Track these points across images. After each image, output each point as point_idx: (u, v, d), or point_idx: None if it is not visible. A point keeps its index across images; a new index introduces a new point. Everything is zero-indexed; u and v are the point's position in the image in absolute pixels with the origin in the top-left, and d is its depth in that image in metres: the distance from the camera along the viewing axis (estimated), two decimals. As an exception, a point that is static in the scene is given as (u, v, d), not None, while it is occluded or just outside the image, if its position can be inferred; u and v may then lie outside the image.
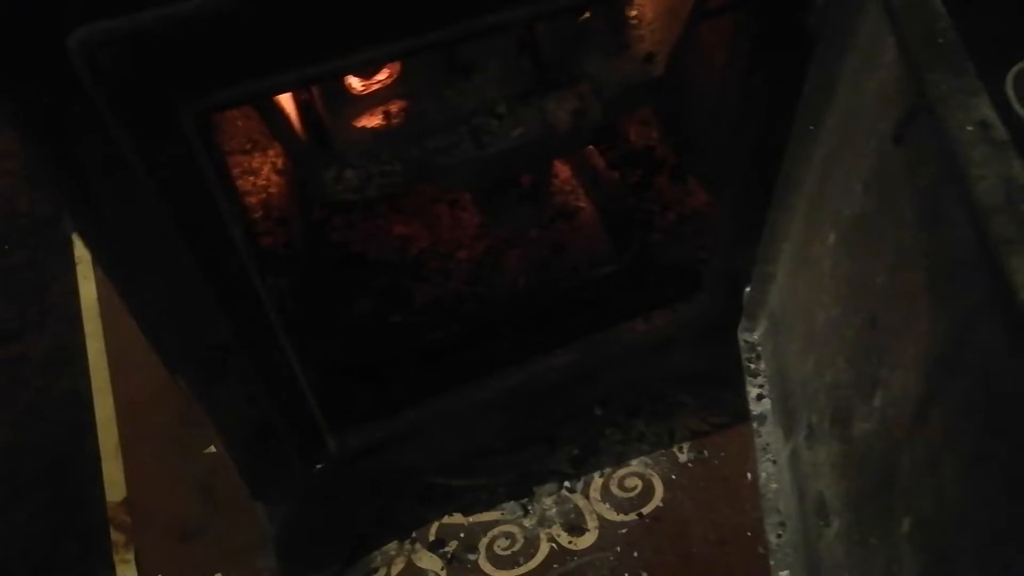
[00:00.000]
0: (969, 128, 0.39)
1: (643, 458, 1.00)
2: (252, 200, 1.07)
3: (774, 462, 0.75)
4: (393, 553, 0.94)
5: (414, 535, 0.95)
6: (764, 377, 0.79)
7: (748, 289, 0.81)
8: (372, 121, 0.60)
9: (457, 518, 0.97)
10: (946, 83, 0.41)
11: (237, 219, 0.53)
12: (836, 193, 0.59)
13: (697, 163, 1.00)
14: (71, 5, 0.41)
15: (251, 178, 1.11)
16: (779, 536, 0.70)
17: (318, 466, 0.78)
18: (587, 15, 0.67)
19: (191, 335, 0.60)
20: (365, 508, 0.91)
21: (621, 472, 1.00)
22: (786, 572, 0.68)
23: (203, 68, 0.45)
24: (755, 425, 0.78)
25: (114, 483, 1.05)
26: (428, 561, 0.93)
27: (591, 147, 1.00)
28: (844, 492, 0.56)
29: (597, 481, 0.99)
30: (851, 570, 0.54)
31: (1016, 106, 0.57)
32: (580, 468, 1.00)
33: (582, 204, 1.02)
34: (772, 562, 0.69)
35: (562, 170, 1.05)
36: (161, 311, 0.58)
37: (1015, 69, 0.60)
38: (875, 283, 0.51)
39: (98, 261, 0.54)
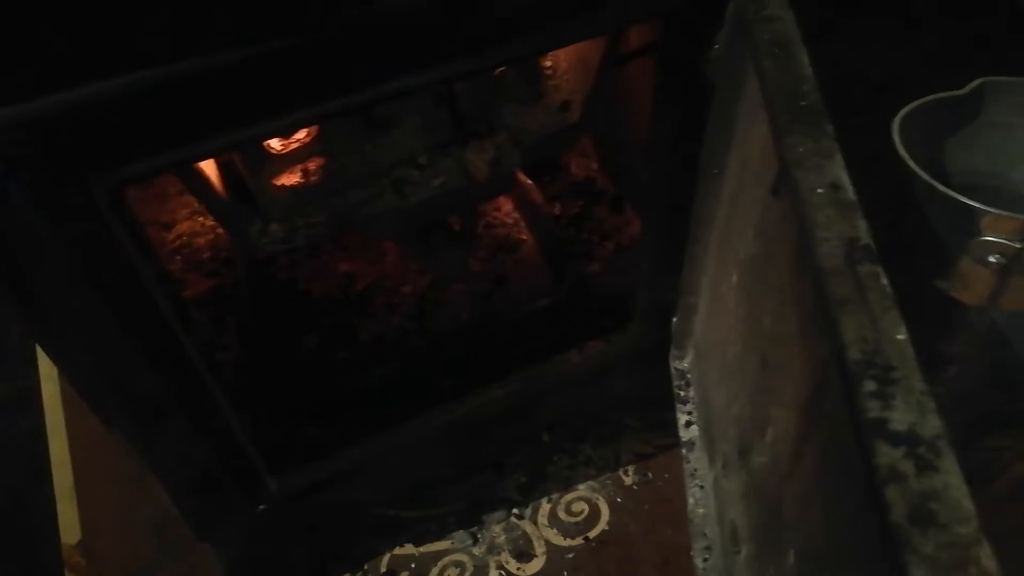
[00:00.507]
0: (820, 191, 0.42)
1: (590, 482, 1.03)
2: (200, 241, 1.09)
3: (701, 487, 0.77)
4: (345, 586, 0.96)
5: (366, 567, 0.97)
6: (692, 404, 0.82)
7: (675, 319, 0.84)
8: (292, 179, 0.63)
9: (408, 549, 0.99)
10: (803, 146, 0.44)
11: (156, 280, 0.55)
12: (736, 234, 0.62)
13: (633, 192, 1.03)
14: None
15: (200, 219, 1.13)
16: (705, 560, 0.73)
17: (260, 507, 0.79)
18: (503, 68, 0.70)
19: (122, 390, 0.62)
20: (314, 544, 0.92)
21: (568, 497, 1.02)
22: (712, 596, 0.71)
23: (108, 146, 0.47)
24: (684, 451, 0.80)
25: (69, 525, 1.06)
26: (379, 593, 0.95)
27: (531, 182, 1.03)
28: (749, 522, 0.59)
29: (545, 507, 1.01)
30: (757, 597, 0.57)
31: (900, 148, 0.60)
32: (528, 495, 1.02)
33: (524, 237, 1.05)
34: (699, 586, 0.72)
35: (504, 204, 1.08)
36: (88, 369, 0.59)
37: (901, 113, 0.63)
38: (764, 325, 0.54)
39: (25, 328, 0.56)
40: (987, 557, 0.30)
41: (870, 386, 0.34)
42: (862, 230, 0.40)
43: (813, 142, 0.44)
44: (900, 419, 0.33)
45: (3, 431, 1.22)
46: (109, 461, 1.10)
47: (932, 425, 0.33)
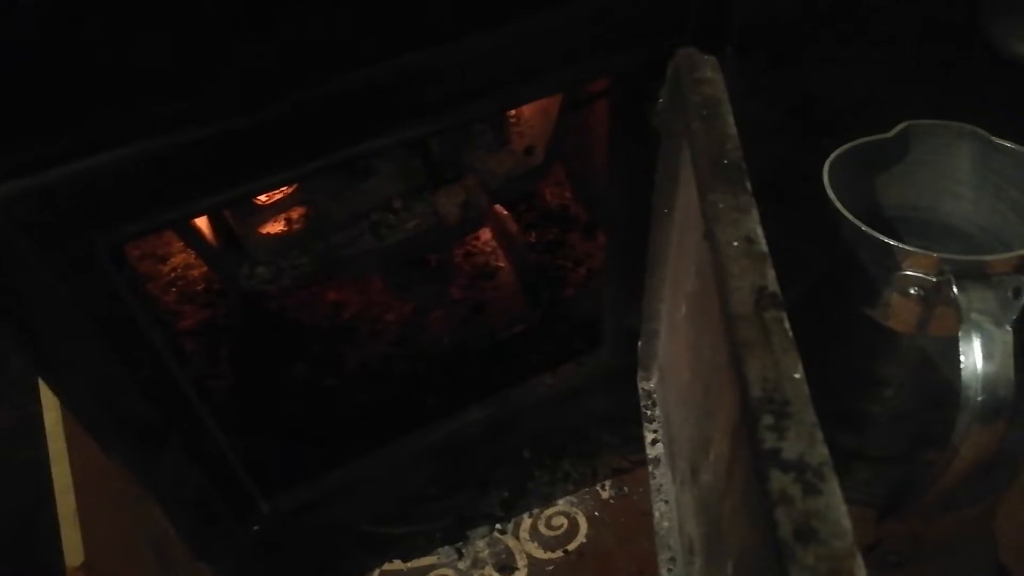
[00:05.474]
0: (735, 243, 0.48)
1: (569, 497, 1.08)
2: (193, 273, 1.14)
3: (666, 502, 0.83)
4: (336, 602, 1.01)
5: (356, 583, 1.02)
6: (658, 423, 0.88)
7: (640, 343, 0.89)
8: (277, 227, 0.68)
9: (397, 564, 1.04)
10: (723, 202, 0.50)
11: (153, 323, 0.61)
12: (683, 271, 0.68)
13: (602, 219, 1.09)
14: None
15: (193, 252, 1.18)
16: (670, 570, 0.78)
17: (254, 527, 0.85)
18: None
19: (120, 420, 0.67)
20: (307, 561, 0.97)
21: (549, 511, 1.07)
22: (674, 603, 0.76)
23: (108, 210, 0.53)
24: (650, 468, 0.86)
25: (72, 548, 1.11)
26: (369, 607, 1.00)
27: (506, 212, 1.09)
28: (700, 534, 0.64)
29: (526, 521, 1.06)
30: (706, 603, 0.62)
31: (828, 190, 0.66)
32: (510, 510, 1.07)
33: (501, 264, 1.11)
34: (663, 594, 0.77)
35: (483, 233, 1.13)
36: (91, 403, 0.65)
37: (831, 157, 0.69)
38: (705, 355, 0.60)
39: (29, 364, 0.61)
40: (859, 568, 0.35)
41: (768, 420, 0.40)
42: (770, 279, 0.46)
43: (732, 198, 0.50)
44: (791, 448, 0.39)
45: (7, 459, 1.27)
46: (109, 485, 1.15)
47: (819, 453, 0.39)
